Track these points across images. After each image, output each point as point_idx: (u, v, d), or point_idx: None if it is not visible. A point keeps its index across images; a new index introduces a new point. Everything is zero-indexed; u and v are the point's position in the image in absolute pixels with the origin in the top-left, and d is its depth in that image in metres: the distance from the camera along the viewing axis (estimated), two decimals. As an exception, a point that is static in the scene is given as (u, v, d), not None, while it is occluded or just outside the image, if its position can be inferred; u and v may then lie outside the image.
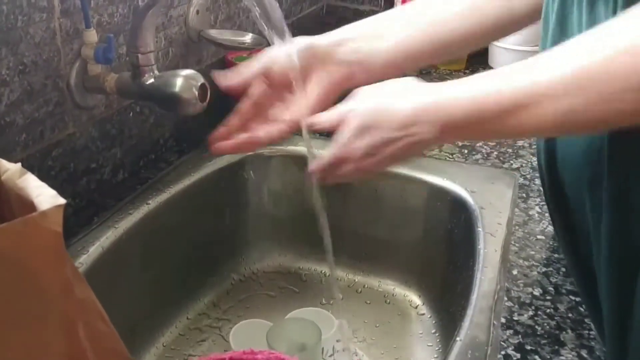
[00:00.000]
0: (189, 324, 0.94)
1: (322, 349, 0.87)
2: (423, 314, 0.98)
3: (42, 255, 0.38)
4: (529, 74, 0.49)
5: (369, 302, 1.01)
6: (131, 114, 0.91)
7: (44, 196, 0.41)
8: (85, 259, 0.75)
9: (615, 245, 0.53)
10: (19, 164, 0.45)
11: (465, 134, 0.59)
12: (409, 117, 0.55)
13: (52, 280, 0.39)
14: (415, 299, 1.00)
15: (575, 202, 0.59)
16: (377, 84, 0.61)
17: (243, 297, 1.00)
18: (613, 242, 0.53)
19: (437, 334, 0.93)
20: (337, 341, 0.90)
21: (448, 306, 0.91)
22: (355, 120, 0.58)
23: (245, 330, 0.88)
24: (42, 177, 0.44)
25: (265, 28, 0.62)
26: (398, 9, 0.78)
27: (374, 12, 0.75)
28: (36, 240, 0.38)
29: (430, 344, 0.93)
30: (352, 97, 0.61)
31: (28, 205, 0.41)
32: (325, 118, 0.61)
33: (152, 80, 0.77)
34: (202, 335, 0.93)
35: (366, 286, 1.04)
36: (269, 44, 1.01)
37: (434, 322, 0.96)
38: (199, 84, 0.75)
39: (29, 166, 0.73)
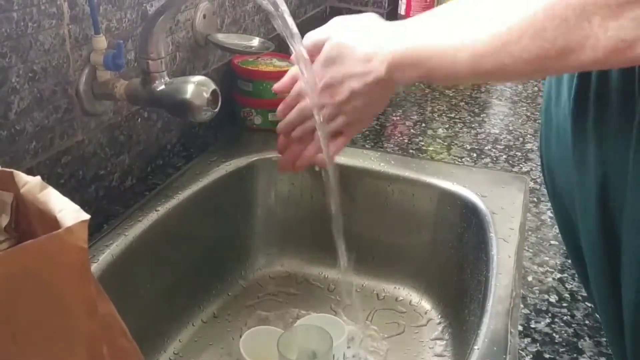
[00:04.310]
0: (198, 331, 0.93)
1: (333, 356, 0.86)
2: (433, 319, 0.97)
3: (68, 272, 0.37)
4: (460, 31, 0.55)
5: (379, 307, 1.00)
6: (139, 120, 0.90)
7: (67, 211, 0.40)
8: (95, 268, 0.75)
9: (601, 245, 0.54)
10: (38, 177, 0.44)
11: (413, 75, 0.63)
12: (368, 55, 0.63)
13: (76, 298, 0.38)
14: (425, 304, 1.00)
15: (569, 203, 0.60)
16: (349, 16, 0.68)
17: (252, 304, 0.99)
18: (599, 242, 0.54)
19: (448, 340, 0.93)
20: (348, 347, 0.89)
21: (459, 312, 0.90)
22: (325, 51, 0.66)
23: (255, 338, 0.87)
24: (52, 185, 0.44)
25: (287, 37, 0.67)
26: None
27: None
28: (62, 257, 0.37)
29: (441, 350, 0.92)
30: (327, 25, 0.68)
31: (50, 221, 0.40)
32: (304, 45, 0.68)
33: (162, 86, 0.76)
34: (211, 342, 0.92)
35: (376, 291, 1.03)
36: (275, 49, 1.01)
37: (444, 327, 0.95)
38: (210, 90, 0.75)
39: (39, 174, 0.72)
